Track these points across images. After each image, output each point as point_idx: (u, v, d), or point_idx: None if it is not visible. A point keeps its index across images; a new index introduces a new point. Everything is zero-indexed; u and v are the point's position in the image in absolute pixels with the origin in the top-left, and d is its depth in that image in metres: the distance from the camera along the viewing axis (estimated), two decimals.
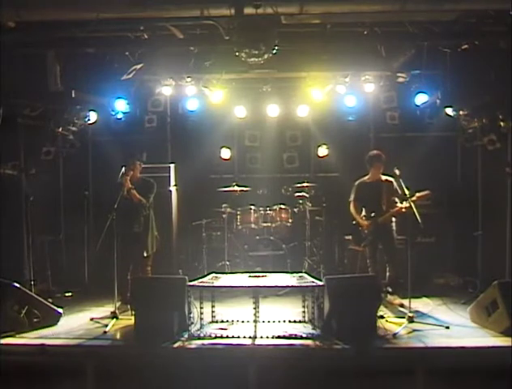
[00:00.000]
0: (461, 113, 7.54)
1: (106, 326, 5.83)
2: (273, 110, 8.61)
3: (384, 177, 6.94)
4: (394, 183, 6.72)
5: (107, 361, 5.13)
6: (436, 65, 7.32)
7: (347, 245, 8.05)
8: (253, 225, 8.47)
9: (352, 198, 7.11)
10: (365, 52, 7.24)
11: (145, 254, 6.82)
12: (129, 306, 6.26)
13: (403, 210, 6.49)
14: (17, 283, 5.77)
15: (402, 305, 6.58)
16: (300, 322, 6.08)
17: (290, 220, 8.49)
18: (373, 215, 6.83)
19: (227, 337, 5.48)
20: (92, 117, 7.95)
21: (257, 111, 8.76)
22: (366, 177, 7.08)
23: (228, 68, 7.47)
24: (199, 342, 5.38)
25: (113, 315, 6.08)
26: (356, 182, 7.14)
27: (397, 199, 6.80)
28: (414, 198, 6.24)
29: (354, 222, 7.07)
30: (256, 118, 8.91)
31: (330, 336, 5.38)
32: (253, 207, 8.50)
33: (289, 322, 6.08)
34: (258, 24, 5.58)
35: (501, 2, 5.57)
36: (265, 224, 8.49)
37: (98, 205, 8.48)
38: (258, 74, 7.81)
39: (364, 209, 7.06)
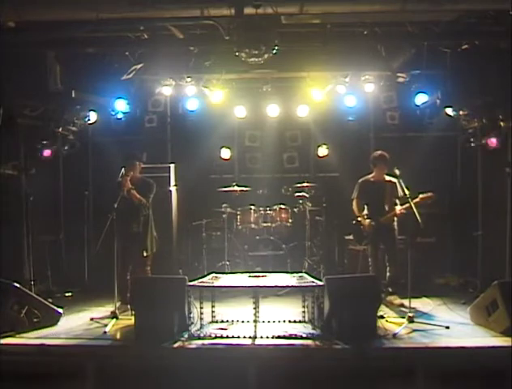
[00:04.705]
0: (461, 113, 7.55)
1: (106, 326, 5.83)
2: (273, 110, 8.61)
3: (388, 178, 6.93)
4: (397, 184, 6.72)
5: (107, 361, 5.12)
6: (436, 65, 7.32)
7: (347, 245, 8.07)
8: (253, 225, 8.47)
9: (354, 195, 7.12)
10: (365, 52, 7.25)
11: (145, 254, 6.81)
12: (129, 306, 6.26)
13: (404, 211, 6.52)
14: (17, 283, 5.77)
15: (402, 305, 6.57)
16: (300, 322, 6.07)
17: (290, 220, 8.48)
18: (374, 215, 6.86)
19: (227, 337, 5.47)
20: (92, 117, 7.96)
21: (257, 111, 8.76)
22: (370, 176, 7.08)
23: (228, 68, 7.47)
24: (199, 342, 5.37)
25: (113, 315, 6.07)
26: (360, 180, 7.14)
27: (398, 201, 6.81)
28: (417, 200, 6.25)
29: (355, 221, 7.08)
30: (256, 118, 8.91)
31: (330, 336, 5.38)
32: (253, 207, 8.50)
33: (289, 322, 6.08)
34: (258, 24, 5.59)
35: (501, 2, 5.58)
36: (265, 224, 8.49)
37: (98, 205, 8.49)
38: (258, 74, 7.81)
39: (366, 207, 7.06)
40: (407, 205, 6.19)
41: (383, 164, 6.92)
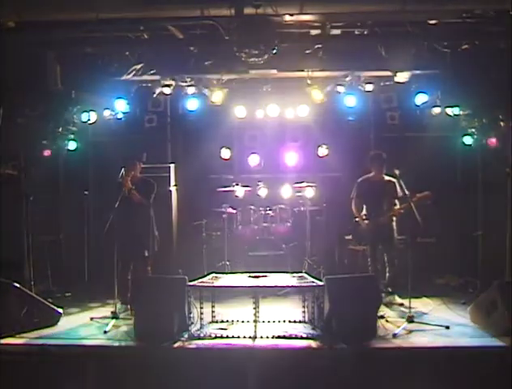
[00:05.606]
0: (461, 113, 7.55)
1: (106, 326, 5.83)
2: (273, 110, 8.59)
3: (387, 177, 6.94)
4: (397, 184, 6.72)
5: (107, 361, 5.13)
6: (436, 65, 7.32)
7: (347, 245, 8.06)
8: (253, 225, 8.48)
9: (353, 195, 7.13)
10: (365, 52, 7.24)
11: (146, 254, 6.81)
12: (129, 306, 6.26)
13: (402, 211, 6.53)
14: (17, 283, 5.77)
15: (402, 305, 6.58)
16: (300, 322, 6.08)
17: (290, 220, 8.49)
18: (373, 215, 6.86)
19: (227, 337, 5.48)
20: (92, 117, 7.94)
21: (257, 111, 8.75)
22: (369, 175, 7.09)
23: (228, 68, 7.47)
24: (199, 342, 5.38)
25: (113, 315, 6.08)
26: (359, 180, 7.15)
27: (396, 200, 6.81)
28: (414, 199, 6.25)
29: (355, 220, 7.08)
30: (256, 118, 8.90)
31: (330, 336, 5.38)
32: (253, 207, 8.50)
33: (289, 322, 6.09)
34: (258, 24, 5.59)
35: (501, 2, 5.58)
36: (265, 224, 8.49)
37: (98, 205, 8.49)
38: (258, 74, 7.81)
39: (365, 207, 7.06)
40: (406, 205, 6.19)
41: (379, 164, 6.94)
